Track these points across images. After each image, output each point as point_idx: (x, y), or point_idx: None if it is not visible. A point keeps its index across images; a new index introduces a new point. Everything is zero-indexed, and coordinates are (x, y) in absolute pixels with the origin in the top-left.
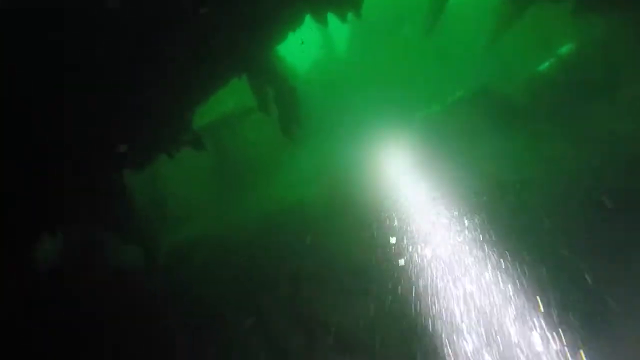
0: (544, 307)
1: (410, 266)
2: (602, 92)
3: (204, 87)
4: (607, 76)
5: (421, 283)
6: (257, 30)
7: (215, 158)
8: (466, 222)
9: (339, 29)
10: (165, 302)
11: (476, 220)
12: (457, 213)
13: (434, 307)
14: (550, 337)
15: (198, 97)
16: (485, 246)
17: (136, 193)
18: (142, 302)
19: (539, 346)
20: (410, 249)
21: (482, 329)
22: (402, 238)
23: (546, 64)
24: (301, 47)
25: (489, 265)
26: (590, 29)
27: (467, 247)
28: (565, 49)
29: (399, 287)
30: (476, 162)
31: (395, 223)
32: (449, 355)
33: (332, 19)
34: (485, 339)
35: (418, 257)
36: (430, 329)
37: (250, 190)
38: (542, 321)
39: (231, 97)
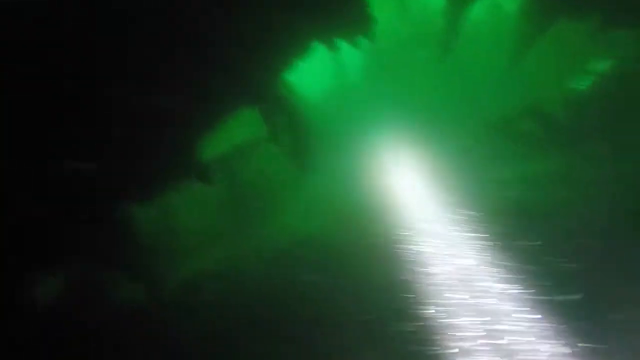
0: None
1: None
2: None
3: (211, 116)
4: None
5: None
6: (264, 58)
7: (227, 189)
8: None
9: (352, 56)
10: (172, 342)
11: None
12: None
13: None
14: None
15: (205, 126)
16: None
17: (144, 226)
18: (147, 342)
19: None
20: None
21: None
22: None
23: (587, 81)
24: (313, 76)
25: None
26: (623, 44)
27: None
28: (602, 65)
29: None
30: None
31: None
32: None
33: (343, 45)
34: None
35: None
36: None
37: (264, 221)
38: None
39: (243, 128)
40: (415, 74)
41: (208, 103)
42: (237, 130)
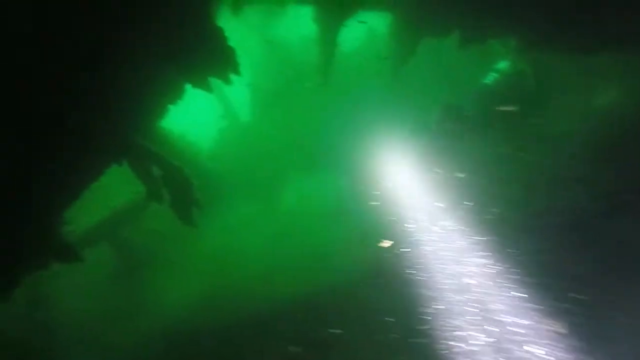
0: None
1: None
2: (536, 101)
3: (70, 186)
4: (538, 87)
5: None
6: (127, 107)
7: (117, 259)
8: None
9: (238, 94)
10: None
11: None
12: None
13: None
14: None
15: (64, 197)
16: None
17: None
18: None
19: None
20: None
21: None
22: None
23: (489, 77)
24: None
25: None
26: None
27: None
28: (502, 65)
29: None
30: None
31: None
32: None
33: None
34: None
35: None
36: None
37: (164, 289)
38: None
39: (126, 186)
40: (304, 103)
41: (59, 168)
42: (114, 192)
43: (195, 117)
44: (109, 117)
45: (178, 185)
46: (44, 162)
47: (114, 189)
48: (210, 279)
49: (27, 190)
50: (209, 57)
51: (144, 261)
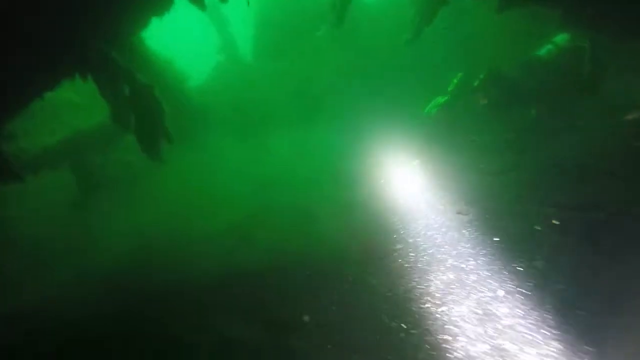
0: None
1: None
2: (587, 84)
3: (14, 94)
4: (594, 69)
5: None
6: (95, 12)
7: (80, 187)
8: None
9: (241, 31)
10: None
11: None
12: None
13: None
14: None
15: (5, 106)
16: None
17: None
18: None
19: None
20: None
21: None
22: None
23: (544, 49)
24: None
25: None
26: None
27: None
28: (560, 37)
29: None
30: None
31: None
32: None
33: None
34: None
35: None
36: None
37: (120, 226)
38: None
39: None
40: (312, 50)
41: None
42: (85, 113)
43: (190, 47)
44: (70, 22)
45: (145, 108)
46: None
47: (85, 109)
48: (171, 222)
49: None
50: None
51: (106, 193)
